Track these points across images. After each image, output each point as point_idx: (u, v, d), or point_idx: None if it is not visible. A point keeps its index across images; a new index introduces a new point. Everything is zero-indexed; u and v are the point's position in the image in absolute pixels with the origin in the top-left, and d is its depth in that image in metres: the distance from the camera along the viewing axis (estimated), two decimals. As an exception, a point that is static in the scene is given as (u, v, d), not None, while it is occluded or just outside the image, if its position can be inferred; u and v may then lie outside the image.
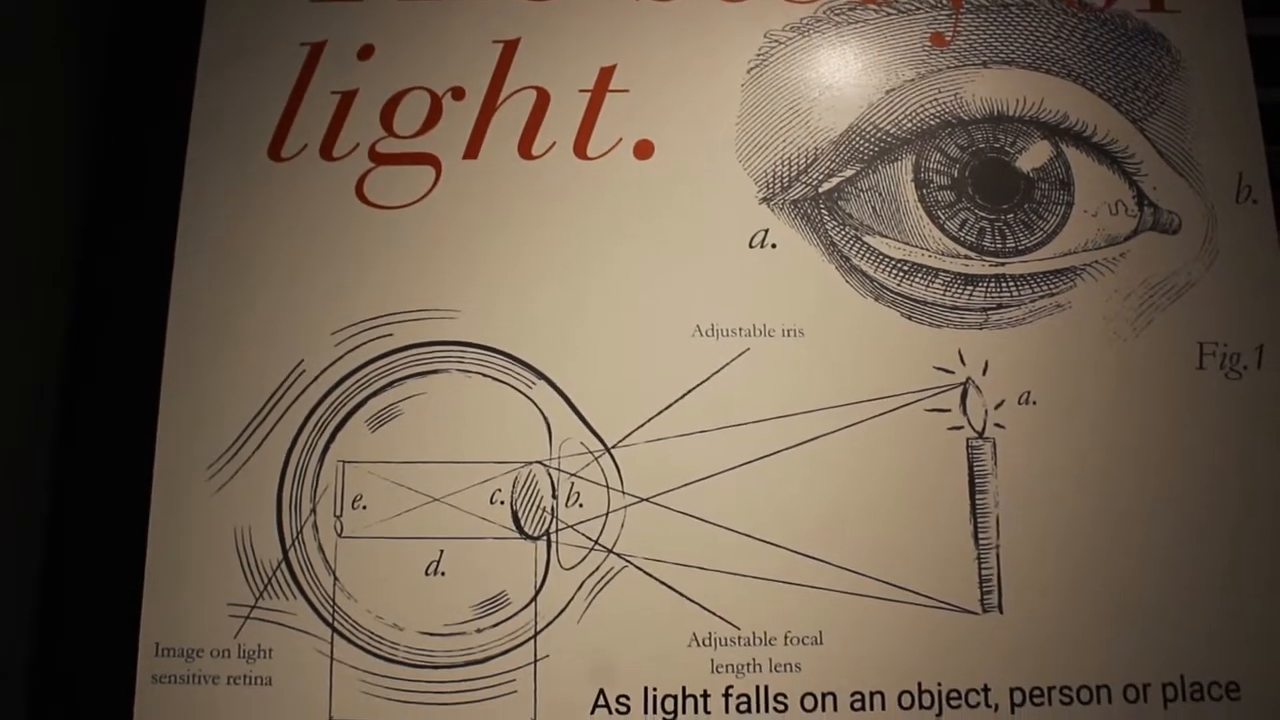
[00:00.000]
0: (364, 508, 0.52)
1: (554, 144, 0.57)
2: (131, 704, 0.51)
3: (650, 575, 0.52)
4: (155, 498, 0.52)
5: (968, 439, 0.54)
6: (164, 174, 0.56)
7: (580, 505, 0.53)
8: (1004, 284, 0.55)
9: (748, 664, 0.51)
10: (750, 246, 0.55)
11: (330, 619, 0.52)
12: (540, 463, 0.53)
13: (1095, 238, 0.56)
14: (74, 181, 0.59)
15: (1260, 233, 0.57)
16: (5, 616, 0.53)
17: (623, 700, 0.51)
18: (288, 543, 0.52)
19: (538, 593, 0.52)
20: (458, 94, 0.57)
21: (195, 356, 0.54)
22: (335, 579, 0.52)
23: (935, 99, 0.57)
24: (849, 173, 0.56)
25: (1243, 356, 0.55)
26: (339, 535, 0.52)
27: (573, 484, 0.53)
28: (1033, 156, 0.57)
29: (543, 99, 0.57)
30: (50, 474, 0.56)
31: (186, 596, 0.52)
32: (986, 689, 0.51)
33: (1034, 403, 0.54)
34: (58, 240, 0.58)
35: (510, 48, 0.58)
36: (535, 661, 0.51)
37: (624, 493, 0.53)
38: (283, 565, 0.52)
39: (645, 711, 0.51)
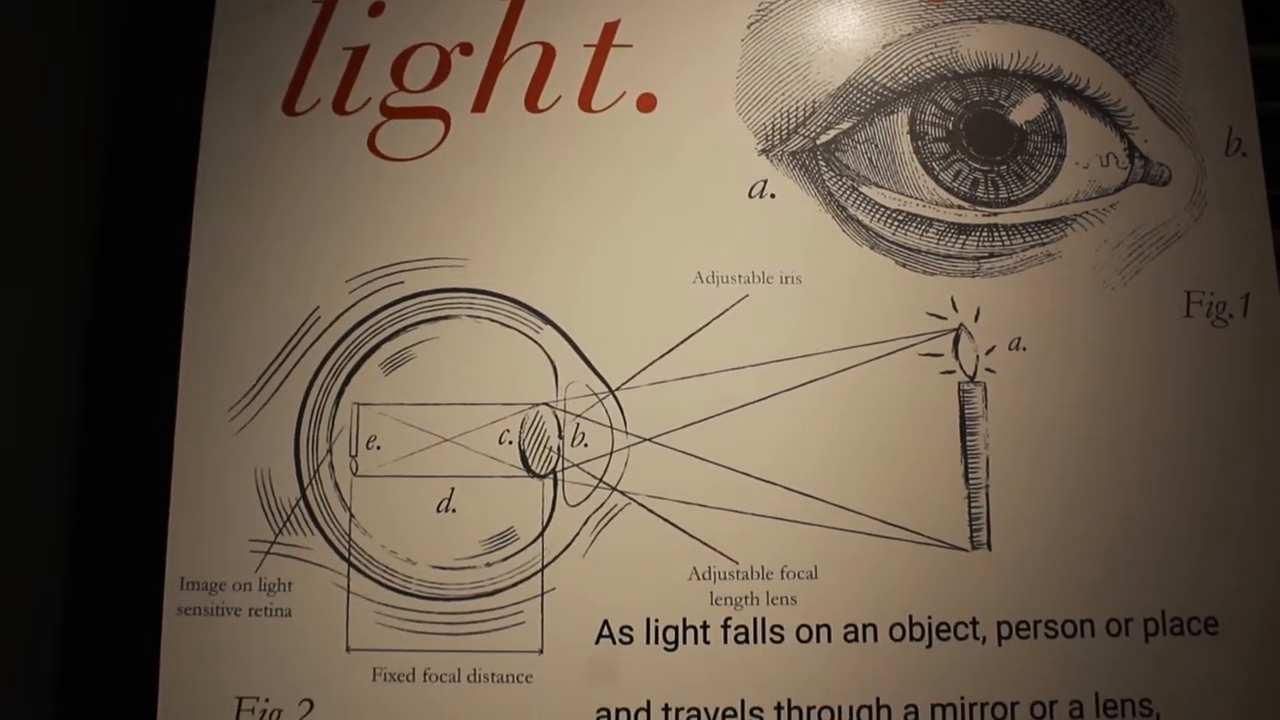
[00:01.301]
0: (378, 448, 0.55)
1: (559, 98, 0.58)
2: (159, 635, 0.53)
3: (652, 512, 0.54)
4: (179, 440, 0.55)
5: (959, 383, 0.55)
6: (183, 128, 0.58)
7: (585, 445, 0.55)
8: (996, 233, 0.57)
9: (745, 597, 0.54)
10: (750, 196, 0.57)
11: (346, 554, 0.54)
12: (547, 404, 0.55)
13: (1086, 189, 0.57)
14: (96, 136, 0.60)
15: (1249, 185, 0.58)
16: (39, 553, 0.55)
17: (626, 631, 0.53)
18: (305, 481, 0.55)
19: (544, 529, 0.54)
20: (466, 49, 0.59)
21: (215, 304, 0.56)
22: (351, 516, 0.54)
23: (931, 53, 0.58)
24: (846, 125, 0.58)
25: (1229, 305, 0.57)
26: (354, 474, 0.55)
27: (578, 424, 0.55)
28: (1026, 109, 0.58)
29: (548, 54, 0.59)
30: (78, 419, 0.58)
31: (210, 533, 0.54)
32: (975, 622, 0.54)
33: (1024, 349, 0.56)
34: (80, 194, 0.60)
35: (516, 4, 0.59)
36: (542, 594, 0.53)
37: (627, 433, 0.55)
38: (301, 503, 0.54)
39: (647, 642, 0.53)
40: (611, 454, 0.55)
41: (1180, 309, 0.57)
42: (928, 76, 0.58)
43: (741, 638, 0.53)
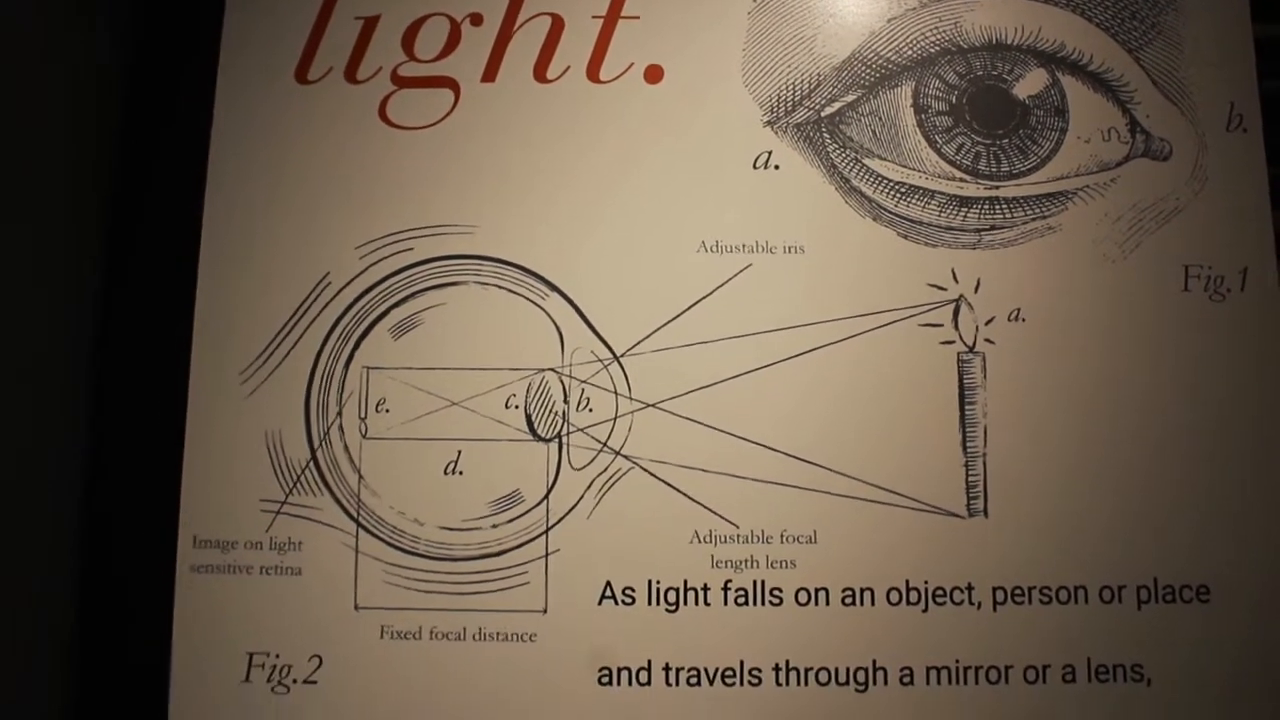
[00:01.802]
0: (387, 411, 0.56)
1: (568, 68, 0.59)
2: (173, 592, 0.54)
3: (655, 476, 0.55)
4: (192, 402, 0.56)
5: (959, 353, 0.56)
6: (197, 97, 0.59)
7: (590, 410, 0.56)
8: (997, 206, 0.57)
9: (746, 560, 0.55)
10: (754, 167, 0.58)
11: (355, 514, 0.55)
12: (553, 370, 0.56)
13: (1088, 163, 0.58)
14: (112, 103, 0.61)
15: (1249, 161, 0.58)
16: (56, 513, 0.57)
17: (628, 592, 0.54)
18: (315, 443, 0.56)
19: (549, 491, 0.55)
20: (476, 20, 0.60)
21: (227, 269, 0.57)
22: (360, 477, 0.55)
23: (935, 27, 0.59)
24: (850, 98, 0.58)
25: (1227, 279, 0.57)
26: (363, 437, 0.56)
27: (583, 390, 0.56)
28: (1029, 84, 0.58)
29: (557, 25, 0.59)
30: (92, 382, 0.59)
31: (222, 493, 0.55)
32: (970, 588, 0.55)
33: (1023, 320, 0.57)
34: (95, 163, 0.60)
35: (526, -25, 0.60)
36: (546, 555, 0.55)
37: (631, 399, 0.56)
38: (311, 464, 0.55)
39: (649, 603, 0.54)
40: (616, 419, 0.56)
41: (1179, 283, 0.57)
42: (932, 50, 0.58)
43: (741, 600, 0.54)
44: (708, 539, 0.55)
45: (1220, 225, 0.58)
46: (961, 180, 0.57)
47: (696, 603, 0.54)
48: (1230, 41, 0.59)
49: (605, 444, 0.55)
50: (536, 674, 0.54)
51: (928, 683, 0.54)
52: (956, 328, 0.56)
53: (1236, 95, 0.59)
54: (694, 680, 0.54)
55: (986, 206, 0.57)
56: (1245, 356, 0.57)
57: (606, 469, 0.55)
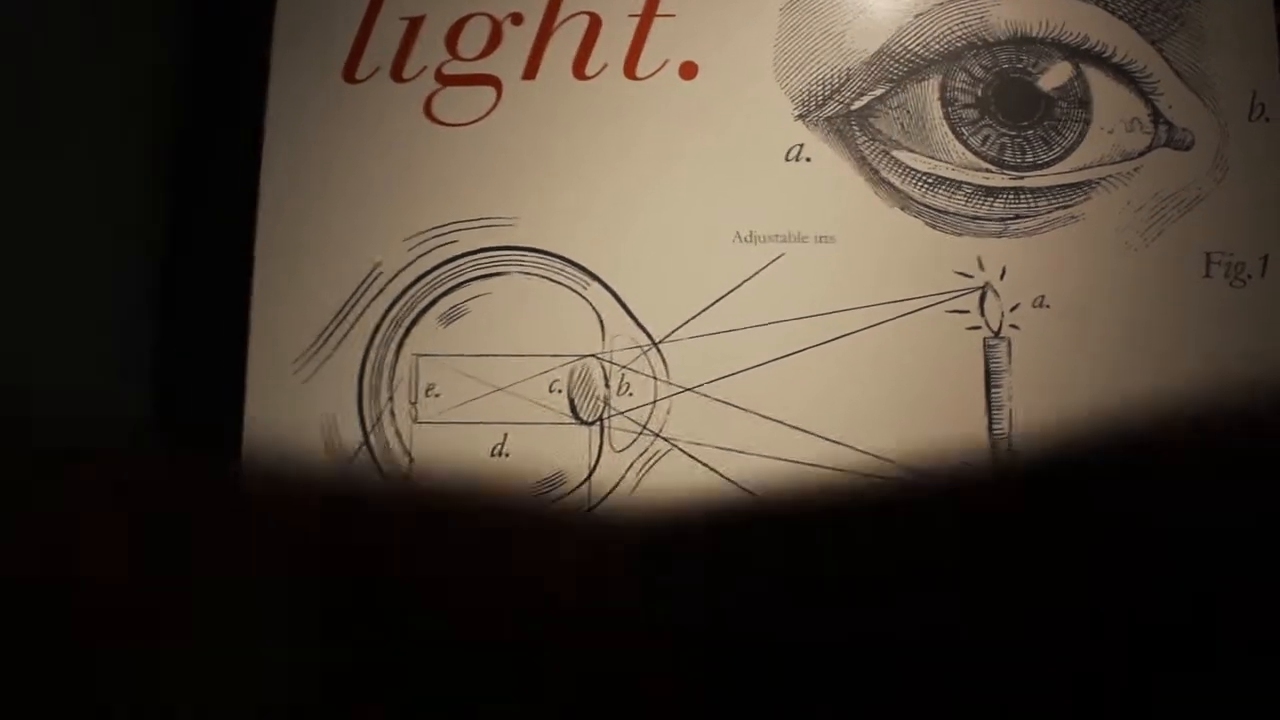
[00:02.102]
0: (437, 396, 0.58)
1: (605, 66, 0.61)
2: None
3: (693, 457, 0.57)
4: (250, 390, 0.58)
5: (985, 338, 0.58)
6: (249, 97, 0.61)
7: (630, 394, 0.58)
8: (1022, 196, 0.59)
9: (780, 538, 0.57)
10: (786, 160, 0.60)
11: (407, 494, 0.58)
12: (594, 356, 0.58)
13: (1111, 153, 0.59)
14: (167, 105, 0.64)
15: (1271, 150, 0.59)
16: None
17: (667, 568, 0.57)
18: (368, 428, 0.58)
19: (591, 472, 0.57)
20: (516, 19, 0.62)
21: (282, 263, 0.59)
22: (411, 460, 0.58)
23: (962, 22, 0.60)
24: (879, 92, 0.60)
25: (1248, 266, 0.59)
26: (414, 421, 0.58)
27: (623, 375, 0.58)
28: (1053, 76, 0.60)
29: (595, 23, 0.61)
30: (152, 376, 0.62)
31: (280, 474, 0.58)
32: (997, 565, 0.56)
33: (1048, 306, 0.58)
34: (152, 161, 0.63)
35: (564, -25, 0.62)
36: (589, 533, 0.57)
37: (670, 383, 0.58)
38: (364, 447, 0.58)
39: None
40: (655, 403, 0.58)
41: (1200, 269, 0.59)
42: (959, 44, 0.60)
43: (775, 576, 0.56)
44: (743, 518, 0.57)
45: (1241, 213, 0.59)
46: (987, 171, 0.59)
47: (732, 578, 0.56)
48: (1253, 31, 0.61)
49: (645, 427, 0.58)
50: (580, 646, 0.56)
51: (955, 655, 0.56)
52: (982, 314, 0.58)
53: (1259, 85, 0.60)
54: (730, 652, 0.56)
55: (1011, 196, 0.59)
56: (1265, 339, 0.58)
57: (646, 451, 0.57)
